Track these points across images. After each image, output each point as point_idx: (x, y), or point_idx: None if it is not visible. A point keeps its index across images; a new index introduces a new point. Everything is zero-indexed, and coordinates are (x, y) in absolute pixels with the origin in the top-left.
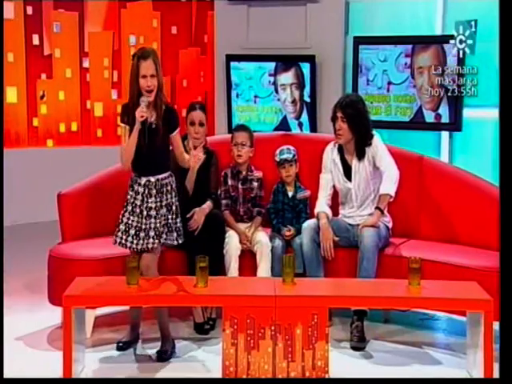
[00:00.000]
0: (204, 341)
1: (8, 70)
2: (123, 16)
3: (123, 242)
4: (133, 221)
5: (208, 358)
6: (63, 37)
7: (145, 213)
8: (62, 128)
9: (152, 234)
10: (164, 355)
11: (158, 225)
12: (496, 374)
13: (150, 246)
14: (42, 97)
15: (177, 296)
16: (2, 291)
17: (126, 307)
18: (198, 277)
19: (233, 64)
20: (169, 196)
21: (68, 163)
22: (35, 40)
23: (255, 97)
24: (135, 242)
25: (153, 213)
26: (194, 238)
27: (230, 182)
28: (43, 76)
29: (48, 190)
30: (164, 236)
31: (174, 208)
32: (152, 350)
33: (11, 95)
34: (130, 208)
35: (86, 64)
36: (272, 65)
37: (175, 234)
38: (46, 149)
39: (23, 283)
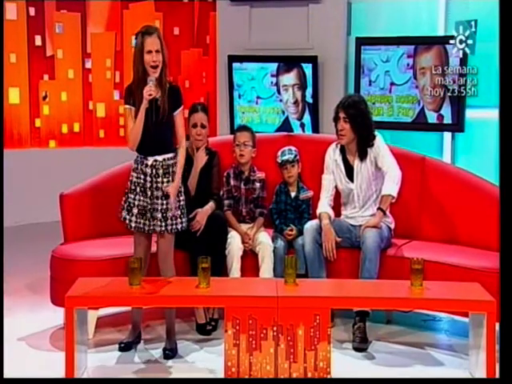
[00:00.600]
0: (206, 341)
1: (10, 71)
2: (125, 17)
3: (139, 225)
4: (140, 201)
5: (210, 359)
6: (65, 38)
7: (155, 193)
8: (65, 129)
9: (159, 216)
10: (170, 353)
11: (164, 207)
12: (498, 375)
13: (163, 228)
14: (45, 97)
15: (179, 297)
16: (1, 291)
17: (128, 308)
18: (200, 277)
19: (235, 65)
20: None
21: (70, 164)
22: (37, 41)
23: (257, 97)
24: (152, 223)
25: (159, 194)
26: (196, 239)
27: (232, 183)
28: (45, 77)
29: (50, 190)
30: (172, 220)
31: (181, 190)
32: (154, 350)
33: (14, 96)
34: (138, 189)
35: (88, 65)
36: (274, 65)
37: (183, 218)
38: (48, 149)
39: (25, 284)
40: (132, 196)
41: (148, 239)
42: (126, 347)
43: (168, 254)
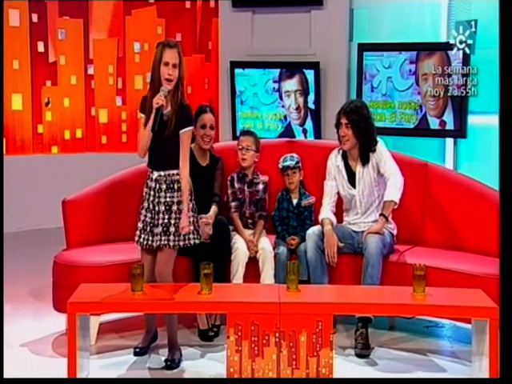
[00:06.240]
0: (208, 348)
1: (13, 77)
2: (128, 23)
3: (141, 240)
4: (146, 216)
5: (212, 365)
6: (68, 44)
7: (157, 208)
8: (67, 135)
9: (159, 230)
10: (173, 364)
11: (166, 221)
12: None
13: (162, 243)
14: (47, 104)
15: (181, 303)
16: (2, 293)
17: (131, 314)
18: (202, 283)
19: (237, 71)
20: (180, 194)
21: (73, 170)
22: (40, 47)
23: (259, 103)
24: (151, 239)
25: (161, 208)
26: (199, 245)
27: (236, 185)
28: (48, 83)
29: (53, 196)
30: (175, 235)
31: (193, 207)
32: (157, 356)
33: (16, 102)
34: (146, 205)
35: (90, 71)
36: (276, 71)
37: (191, 234)
38: (50, 155)
39: (28, 290)
40: (142, 211)
41: (152, 256)
42: (140, 351)
43: (165, 269)
